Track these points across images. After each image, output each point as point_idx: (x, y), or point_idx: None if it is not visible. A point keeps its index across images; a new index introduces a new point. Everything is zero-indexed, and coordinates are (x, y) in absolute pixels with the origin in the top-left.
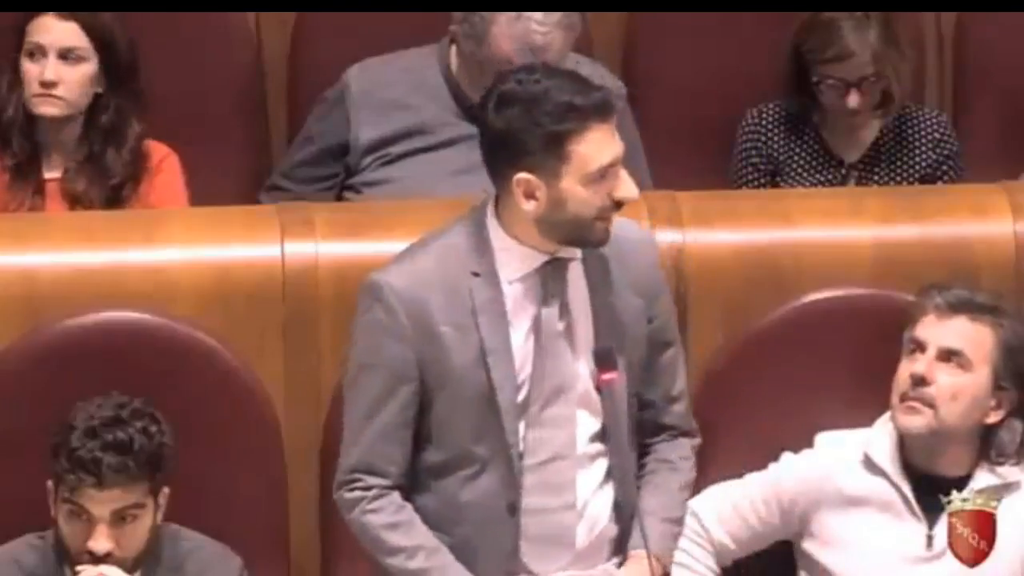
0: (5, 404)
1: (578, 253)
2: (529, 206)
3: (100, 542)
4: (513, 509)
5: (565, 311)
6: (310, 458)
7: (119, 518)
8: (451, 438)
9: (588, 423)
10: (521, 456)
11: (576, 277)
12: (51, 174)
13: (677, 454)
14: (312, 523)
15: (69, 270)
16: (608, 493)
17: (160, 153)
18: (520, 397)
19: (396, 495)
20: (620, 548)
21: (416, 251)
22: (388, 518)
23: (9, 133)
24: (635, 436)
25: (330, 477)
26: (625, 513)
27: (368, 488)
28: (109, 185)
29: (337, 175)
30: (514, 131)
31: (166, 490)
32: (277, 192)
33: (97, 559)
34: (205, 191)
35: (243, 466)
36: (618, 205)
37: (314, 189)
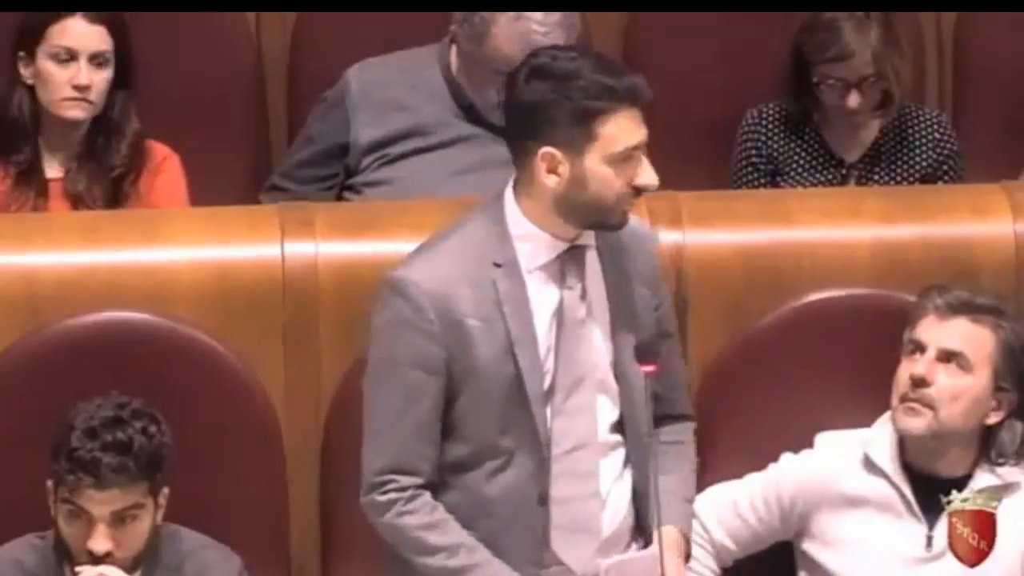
0: (5, 404)
1: (593, 241)
2: (550, 181)
3: (100, 542)
4: (543, 499)
5: (585, 299)
6: (310, 458)
7: (119, 518)
8: (476, 431)
9: (608, 411)
10: (548, 445)
11: (593, 265)
12: (53, 174)
13: (684, 436)
14: (312, 523)
15: (70, 270)
16: (626, 481)
17: (162, 153)
18: (545, 386)
19: (428, 495)
20: (638, 535)
21: (436, 245)
22: (425, 518)
23: (12, 135)
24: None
25: (330, 477)
26: (642, 500)
27: (403, 489)
28: (110, 179)
29: (337, 175)
30: (545, 104)
31: (166, 490)
32: (277, 192)
33: (97, 559)
34: (205, 191)
35: (243, 466)
36: (637, 192)
37: (314, 189)
